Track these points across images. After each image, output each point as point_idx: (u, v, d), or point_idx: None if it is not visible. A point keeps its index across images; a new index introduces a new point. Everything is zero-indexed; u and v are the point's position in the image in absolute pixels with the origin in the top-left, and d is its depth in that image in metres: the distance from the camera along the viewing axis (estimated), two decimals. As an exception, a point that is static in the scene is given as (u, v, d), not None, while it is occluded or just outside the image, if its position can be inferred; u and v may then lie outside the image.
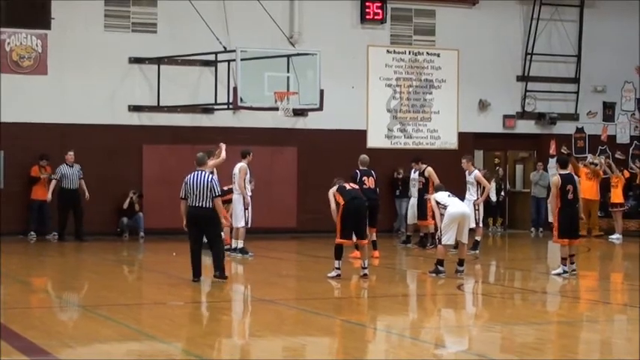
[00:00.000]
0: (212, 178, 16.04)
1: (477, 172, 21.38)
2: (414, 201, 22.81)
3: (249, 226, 20.38)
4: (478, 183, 21.06)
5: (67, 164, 24.33)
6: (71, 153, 24.34)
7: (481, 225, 21.57)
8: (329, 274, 16.68)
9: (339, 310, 13.89)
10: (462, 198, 19.72)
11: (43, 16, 24.90)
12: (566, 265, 17.32)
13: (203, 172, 16.08)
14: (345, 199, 16.63)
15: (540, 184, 28.31)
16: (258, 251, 20.93)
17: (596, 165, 26.83)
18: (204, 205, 15.83)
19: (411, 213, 23.00)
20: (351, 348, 11.19)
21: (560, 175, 17.31)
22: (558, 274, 17.34)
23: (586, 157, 28.28)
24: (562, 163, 17.79)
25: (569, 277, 17.15)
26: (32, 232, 24.33)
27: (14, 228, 24.22)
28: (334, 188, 16.97)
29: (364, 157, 20.79)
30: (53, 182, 24.10)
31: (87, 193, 24.28)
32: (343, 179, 17.38)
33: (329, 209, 17.06)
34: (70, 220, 24.34)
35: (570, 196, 17.12)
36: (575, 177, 18.16)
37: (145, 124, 25.67)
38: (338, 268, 16.63)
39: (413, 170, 22.94)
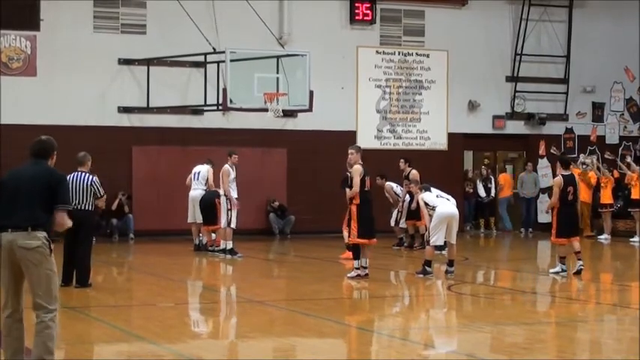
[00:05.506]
0: (93, 180, 15.77)
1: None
2: None
3: (233, 226, 20.24)
4: None
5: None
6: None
7: None
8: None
9: (328, 311, 13.87)
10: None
11: (31, 18, 24.86)
12: (564, 264, 17.52)
13: (82, 174, 15.79)
14: (359, 197, 16.47)
15: (529, 184, 28.38)
16: (248, 252, 20.91)
17: (587, 165, 26.87)
18: (80, 208, 15.40)
19: None
20: (340, 349, 11.19)
21: (562, 175, 17.52)
22: (556, 273, 17.52)
23: (576, 157, 28.31)
24: (564, 164, 17.91)
25: (565, 276, 17.33)
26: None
27: None
28: (361, 170, 16.42)
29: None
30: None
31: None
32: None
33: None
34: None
35: (570, 197, 17.40)
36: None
37: (134, 125, 25.65)
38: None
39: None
